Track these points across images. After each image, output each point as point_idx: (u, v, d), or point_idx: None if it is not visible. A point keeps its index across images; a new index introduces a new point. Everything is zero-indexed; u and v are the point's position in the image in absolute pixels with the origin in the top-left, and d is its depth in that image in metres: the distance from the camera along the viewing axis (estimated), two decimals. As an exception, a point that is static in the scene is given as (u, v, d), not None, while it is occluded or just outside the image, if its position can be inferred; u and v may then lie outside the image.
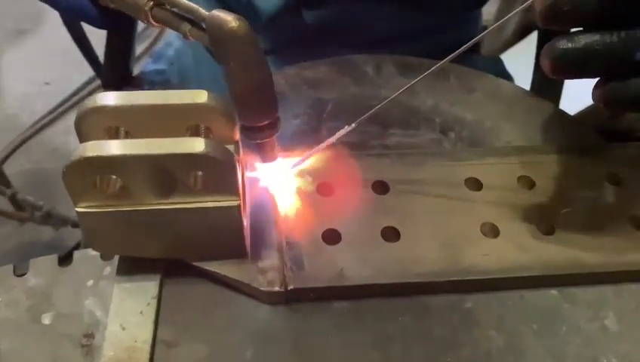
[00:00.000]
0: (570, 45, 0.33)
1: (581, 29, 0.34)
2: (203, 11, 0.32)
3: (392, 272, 0.37)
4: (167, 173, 0.31)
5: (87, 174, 0.31)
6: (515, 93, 0.50)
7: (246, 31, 0.31)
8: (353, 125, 0.38)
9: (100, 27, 0.65)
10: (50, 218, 1.22)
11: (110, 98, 0.32)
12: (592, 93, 0.35)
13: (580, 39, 0.33)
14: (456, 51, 0.35)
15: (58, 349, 0.36)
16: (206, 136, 0.34)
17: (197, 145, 0.30)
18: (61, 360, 0.35)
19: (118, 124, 0.33)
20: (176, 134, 0.32)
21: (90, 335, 0.37)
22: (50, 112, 1.60)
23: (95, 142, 0.30)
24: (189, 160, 0.30)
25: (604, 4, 0.32)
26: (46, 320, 0.38)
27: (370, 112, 0.38)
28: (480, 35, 0.36)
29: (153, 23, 0.36)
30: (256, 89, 0.32)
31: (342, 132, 0.38)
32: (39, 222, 1.25)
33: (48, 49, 1.70)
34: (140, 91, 0.33)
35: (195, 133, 0.33)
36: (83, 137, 0.33)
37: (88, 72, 0.99)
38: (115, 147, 0.30)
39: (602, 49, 0.33)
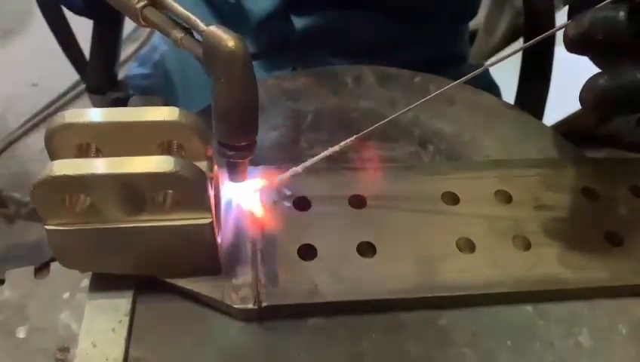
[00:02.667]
0: (613, 82, 0.32)
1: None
2: (201, 24, 0.32)
3: (366, 289, 0.37)
4: (136, 192, 0.31)
5: (56, 193, 0.30)
6: (495, 106, 0.50)
7: (243, 52, 0.30)
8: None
9: (81, 14, 0.64)
10: (37, 214, 1.21)
11: (80, 115, 0.32)
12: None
13: (623, 76, 0.32)
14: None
15: (32, 364, 0.36)
16: (178, 153, 0.33)
17: (166, 164, 0.30)
18: (35, 375, 0.35)
19: (88, 141, 0.33)
20: (149, 151, 0.32)
21: (65, 349, 0.36)
22: (38, 114, 1.59)
23: (63, 160, 0.30)
24: (159, 179, 0.30)
25: (635, 34, 0.32)
26: (20, 333, 0.37)
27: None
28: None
29: (142, 22, 0.35)
30: (242, 110, 0.32)
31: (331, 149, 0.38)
32: (26, 218, 1.24)
33: (36, 49, 1.68)
34: (110, 108, 0.32)
35: (167, 149, 0.33)
36: (53, 155, 0.33)
37: (76, 73, 0.98)
38: (83, 166, 0.30)
39: None
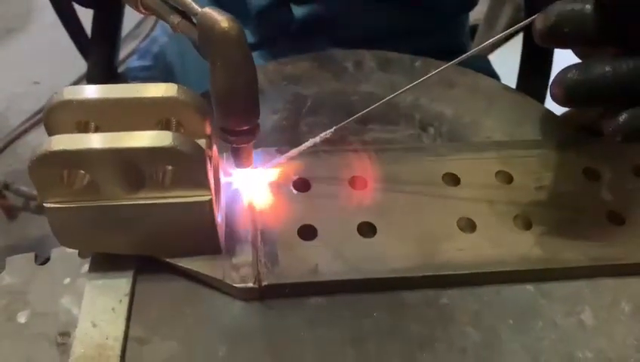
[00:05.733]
0: (581, 76, 0.32)
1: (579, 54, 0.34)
2: (196, 6, 0.31)
3: (367, 267, 0.36)
4: (135, 168, 0.30)
5: (54, 169, 0.30)
6: (495, 89, 0.50)
7: (237, 33, 0.30)
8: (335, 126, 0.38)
9: (86, 5, 0.65)
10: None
11: (78, 92, 0.32)
12: (604, 127, 0.34)
13: (591, 70, 0.32)
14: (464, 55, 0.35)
15: (33, 348, 0.35)
16: (177, 130, 0.33)
17: (165, 138, 0.30)
18: (36, 360, 0.35)
19: (87, 118, 0.32)
20: (147, 128, 0.32)
21: (66, 334, 0.36)
22: (39, 112, 1.59)
23: (61, 135, 0.30)
24: (157, 154, 0.30)
25: (603, 26, 0.32)
26: (21, 318, 0.37)
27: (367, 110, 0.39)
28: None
29: (142, 10, 0.35)
30: (239, 93, 0.31)
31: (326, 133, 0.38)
32: (34, 211, 1.24)
33: (37, 48, 1.69)
34: (109, 85, 0.32)
35: (165, 126, 0.33)
36: (52, 132, 0.32)
37: (77, 71, 0.98)
38: (81, 141, 0.30)
39: (614, 80, 0.32)
